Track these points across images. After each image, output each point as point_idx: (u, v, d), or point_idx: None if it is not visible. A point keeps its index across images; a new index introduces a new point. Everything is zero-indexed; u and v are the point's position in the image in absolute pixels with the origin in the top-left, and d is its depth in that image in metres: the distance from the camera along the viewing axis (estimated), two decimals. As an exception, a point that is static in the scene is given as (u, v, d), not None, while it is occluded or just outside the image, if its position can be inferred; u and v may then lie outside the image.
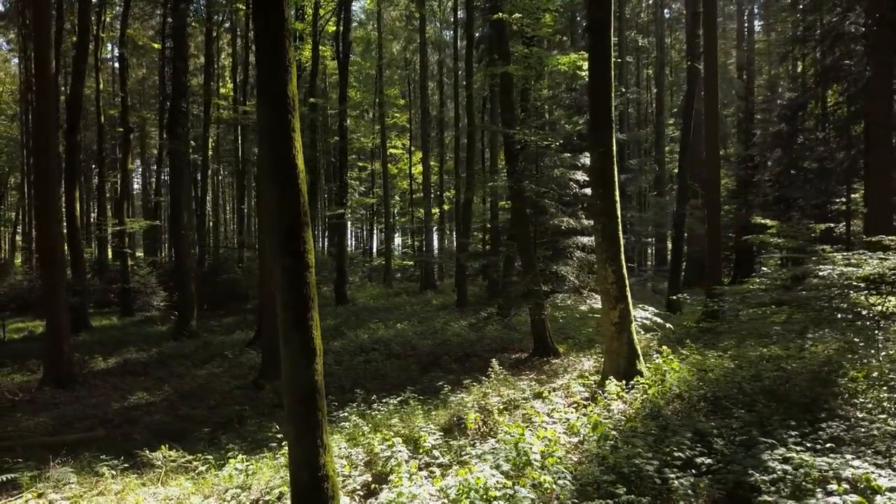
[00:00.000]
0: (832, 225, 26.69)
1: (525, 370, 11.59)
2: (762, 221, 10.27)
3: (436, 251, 47.68)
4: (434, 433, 7.19)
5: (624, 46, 35.11)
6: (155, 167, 48.75)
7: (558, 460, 5.87)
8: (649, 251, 40.89)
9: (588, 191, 13.26)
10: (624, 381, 9.17)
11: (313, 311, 4.15)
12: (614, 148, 9.92)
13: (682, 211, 18.52)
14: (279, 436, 7.24)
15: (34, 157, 12.98)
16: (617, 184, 9.90)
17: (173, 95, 19.35)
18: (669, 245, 28.48)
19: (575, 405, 8.88)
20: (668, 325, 12.01)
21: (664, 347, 9.86)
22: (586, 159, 13.09)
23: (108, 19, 37.95)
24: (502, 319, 18.11)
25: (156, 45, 37.81)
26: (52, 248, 12.68)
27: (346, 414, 8.32)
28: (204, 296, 25.56)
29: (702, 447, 6.16)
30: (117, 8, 36.68)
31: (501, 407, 8.56)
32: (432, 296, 30.12)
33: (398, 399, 8.83)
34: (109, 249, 33.55)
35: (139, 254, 39.48)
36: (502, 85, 13.92)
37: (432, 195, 41.96)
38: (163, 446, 6.54)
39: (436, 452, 6.40)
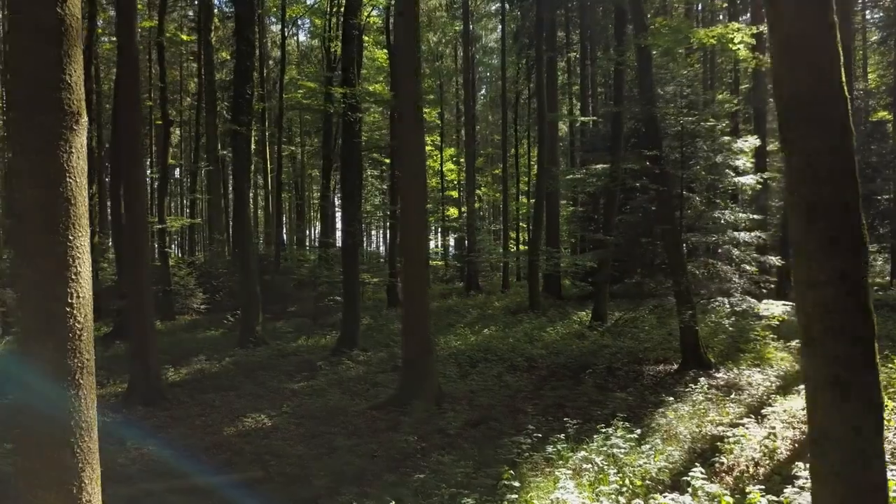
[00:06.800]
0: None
1: (691, 386, 9.98)
2: None
3: (452, 251, 46.20)
4: (698, 477, 5.62)
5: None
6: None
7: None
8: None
9: (744, 179, 11.72)
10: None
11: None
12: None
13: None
14: (514, 482, 5.67)
15: (124, 142, 11.38)
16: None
17: (237, 80, 17.74)
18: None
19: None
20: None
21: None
22: (744, 143, 11.52)
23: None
24: (601, 325, 16.53)
25: (185, 37, 36.20)
26: (139, 247, 11.10)
27: (555, 449, 6.74)
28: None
29: None
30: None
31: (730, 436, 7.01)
32: (484, 297, 28.55)
33: (602, 426, 7.29)
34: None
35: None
36: (639, 62, 12.35)
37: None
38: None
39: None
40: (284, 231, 52.45)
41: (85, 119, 3.25)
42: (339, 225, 44.94)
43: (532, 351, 13.84)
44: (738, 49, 11.95)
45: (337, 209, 41.98)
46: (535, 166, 42.57)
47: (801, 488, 5.42)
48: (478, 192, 45.71)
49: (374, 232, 61.79)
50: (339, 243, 36.40)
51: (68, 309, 3.11)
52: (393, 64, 25.88)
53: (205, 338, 19.69)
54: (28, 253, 3.10)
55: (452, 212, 43.89)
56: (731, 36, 11.76)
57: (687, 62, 11.67)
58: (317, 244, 39.82)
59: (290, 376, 13.07)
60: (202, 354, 16.22)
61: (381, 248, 59.19)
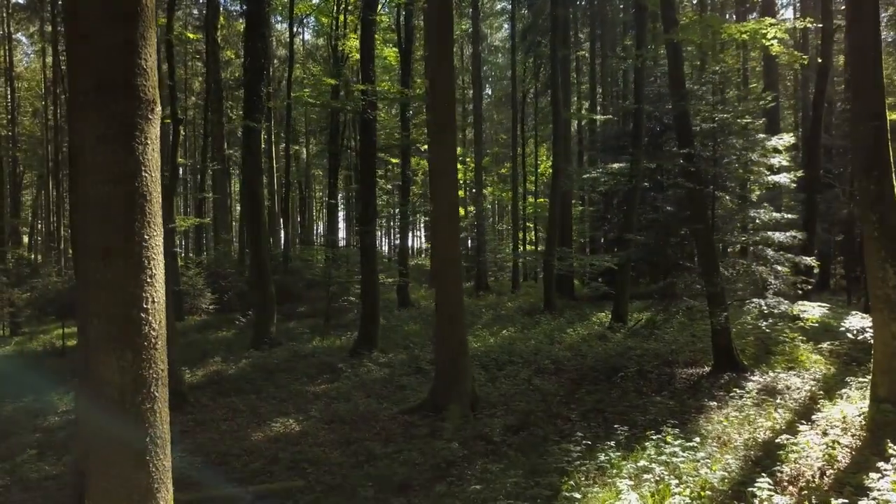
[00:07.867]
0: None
1: (730, 389, 9.72)
2: None
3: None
4: (763, 489, 5.38)
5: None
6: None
7: None
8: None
9: (778, 177, 11.47)
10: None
11: None
12: (888, 120, 8.11)
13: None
14: (574, 493, 5.42)
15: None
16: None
17: (251, 78, 17.50)
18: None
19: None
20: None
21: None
22: (778, 141, 11.27)
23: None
24: (622, 326, 16.31)
25: (191, 36, 35.92)
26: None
27: (607, 457, 6.48)
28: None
29: None
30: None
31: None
32: (495, 298, 28.31)
33: (651, 433, 7.05)
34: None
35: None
36: (670, 58, 12.07)
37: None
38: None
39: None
40: (289, 230, 52.22)
41: (159, 108, 2.99)
42: (341, 224, 44.58)
43: (557, 353, 13.57)
44: (772, 44, 11.70)
45: (341, 208, 41.54)
46: (541, 165, 42.38)
47: (876, 500, 5.17)
48: (484, 191, 45.47)
49: (376, 231, 61.45)
50: (342, 242, 36.03)
51: (144, 315, 2.85)
52: (404, 55, 25.58)
53: (217, 338, 19.43)
54: (100, 255, 2.84)
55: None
56: (764, 31, 11.50)
57: (719, 58, 11.37)
58: (323, 243, 39.58)
59: (312, 378, 12.80)
60: (217, 356, 15.97)
61: (385, 248, 58.87)
